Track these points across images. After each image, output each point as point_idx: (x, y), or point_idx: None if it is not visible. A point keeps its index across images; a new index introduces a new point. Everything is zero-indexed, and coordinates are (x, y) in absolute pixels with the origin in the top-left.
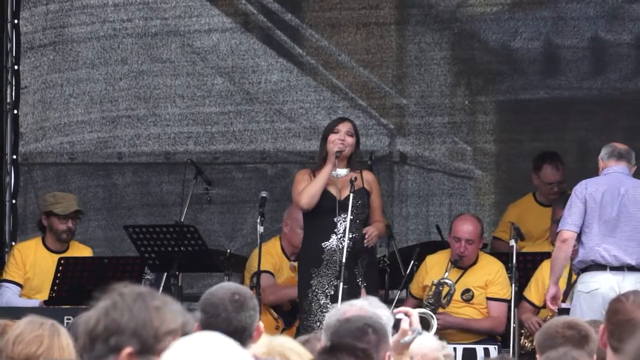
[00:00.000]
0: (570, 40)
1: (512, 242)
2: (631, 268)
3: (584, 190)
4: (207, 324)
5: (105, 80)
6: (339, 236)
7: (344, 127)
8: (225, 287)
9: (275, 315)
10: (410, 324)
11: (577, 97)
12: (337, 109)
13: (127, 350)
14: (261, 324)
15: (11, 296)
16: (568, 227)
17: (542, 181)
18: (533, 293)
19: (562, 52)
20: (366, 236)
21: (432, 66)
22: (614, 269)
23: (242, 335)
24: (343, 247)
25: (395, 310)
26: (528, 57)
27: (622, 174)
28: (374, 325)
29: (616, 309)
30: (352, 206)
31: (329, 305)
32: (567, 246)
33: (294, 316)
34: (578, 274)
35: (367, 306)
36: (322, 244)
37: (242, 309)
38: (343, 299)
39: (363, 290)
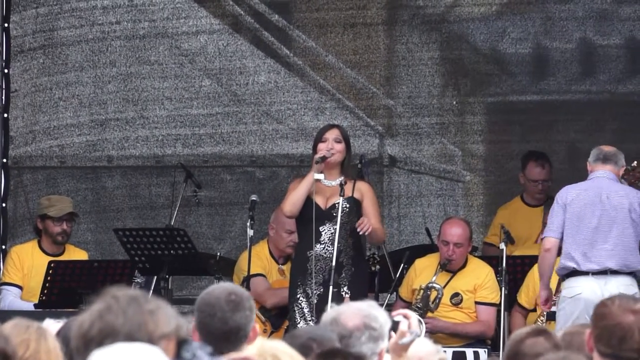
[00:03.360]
0: (559, 42)
1: (502, 246)
2: (614, 272)
3: (565, 196)
4: (202, 324)
5: (93, 83)
6: (324, 245)
7: (331, 135)
8: (221, 287)
9: (263, 318)
10: (409, 326)
11: (566, 98)
12: (325, 110)
13: None
14: (257, 325)
15: (13, 299)
16: (550, 235)
17: (527, 179)
18: (523, 297)
19: (551, 53)
20: (358, 224)
21: (420, 67)
22: (596, 273)
23: (237, 335)
24: (328, 255)
25: (394, 312)
26: (516, 58)
27: (606, 178)
28: (319, 339)
29: (602, 313)
30: (338, 215)
31: (312, 314)
32: (550, 254)
33: (281, 318)
34: (563, 279)
35: (365, 307)
36: (307, 252)
37: (238, 309)
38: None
39: (346, 298)
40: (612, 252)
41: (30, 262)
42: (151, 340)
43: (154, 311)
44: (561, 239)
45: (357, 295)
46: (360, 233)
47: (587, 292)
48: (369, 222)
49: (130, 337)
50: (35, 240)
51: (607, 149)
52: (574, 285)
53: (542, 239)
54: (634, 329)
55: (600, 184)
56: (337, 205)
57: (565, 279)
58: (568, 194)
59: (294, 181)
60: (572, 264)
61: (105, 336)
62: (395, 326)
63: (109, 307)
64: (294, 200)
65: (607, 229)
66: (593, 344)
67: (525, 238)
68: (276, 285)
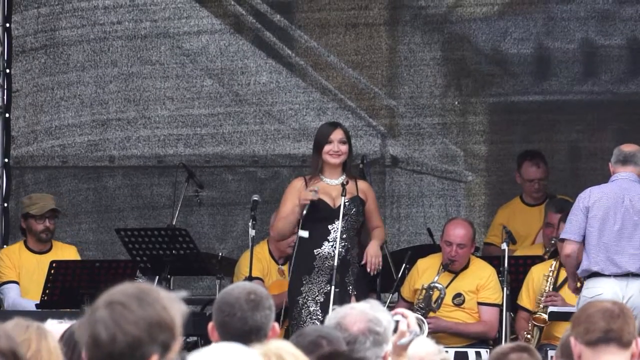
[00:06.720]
0: (561, 42)
1: (504, 246)
2: (635, 275)
3: (587, 199)
4: (222, 323)
5: (95, 83)
6: (332, 244)
7: (336, 136)
8: (241, 287)
9: None
10: (408, 326)
11: (568, 98)
12: (326, 110)
13: (154, 358)
14: (276, 324)
15: (16, 296)
16: (570, 237)
17: (523, 178)
18: (524, 299)
19: (553, 53)
20: (369, 266)
21: (422, 67)
22: (618, 275)
23: (257, 334)
24: (335, 254)
25: (392, 312)
26: (518, 58)
27: (628, 180)
28: (328, 337)
29: (582, 309)
30: (346, 214)
31: (318, 312)
32: (572, 258)
33: (277, 322)
34: (584, 279)
35: (369, 309)
36: (315, 251)
37: (258, 309)
38: (334, 304)
39: (353, 298)
40: (634, 256)
41: (18, 262)
42: (174, 335)
43: (167, 306)
44: (581, 242)
45: (361, 293)
46: (372, 274)
47: (608, 293)
48: (374, 259)
49: (158, 341)
50: (21, 241)
51: (627, 149)
52: (594, 286)
53: (560, 241)
54: (615, 311)
55: (623, 186)
56: (345, 204)
57: (586, 279)
58: (590, 197)
59: (292, 183)
60: (595, 267)
61: (135, 348)
62: (395, 326)
63: (124, 316)
64: (283, 232)
65: (630, 232)
66: (578, 342)
67: (524, 237)
68: (275, 285)
